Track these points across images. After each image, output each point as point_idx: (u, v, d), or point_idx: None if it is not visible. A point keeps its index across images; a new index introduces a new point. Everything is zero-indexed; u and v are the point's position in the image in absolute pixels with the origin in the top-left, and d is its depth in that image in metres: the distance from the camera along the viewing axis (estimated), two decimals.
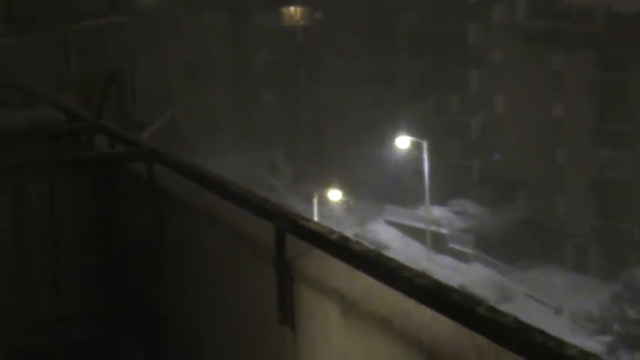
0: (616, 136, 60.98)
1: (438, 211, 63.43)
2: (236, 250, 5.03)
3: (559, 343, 2.71)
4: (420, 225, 62.64)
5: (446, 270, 59.85)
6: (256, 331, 4.81)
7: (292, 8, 73.03)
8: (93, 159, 6.60)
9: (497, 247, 60.79)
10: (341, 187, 60.80)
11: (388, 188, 65.45)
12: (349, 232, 63.38)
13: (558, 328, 52.41)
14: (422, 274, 3.40)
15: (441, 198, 63.74)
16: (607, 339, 39.96)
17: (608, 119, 61.19)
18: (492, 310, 2.99)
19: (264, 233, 4.53)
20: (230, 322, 5.17)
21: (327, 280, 4.12)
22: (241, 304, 5.01)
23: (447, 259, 61.15)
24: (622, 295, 41.59)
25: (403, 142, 64.18)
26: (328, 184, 60.46)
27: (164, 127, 61.01)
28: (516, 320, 2.89)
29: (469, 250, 61.57)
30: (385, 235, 63.42)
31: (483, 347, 3.15)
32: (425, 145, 61.98)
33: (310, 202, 57.05)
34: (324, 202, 59.53)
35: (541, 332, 2.79)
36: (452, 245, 62.12)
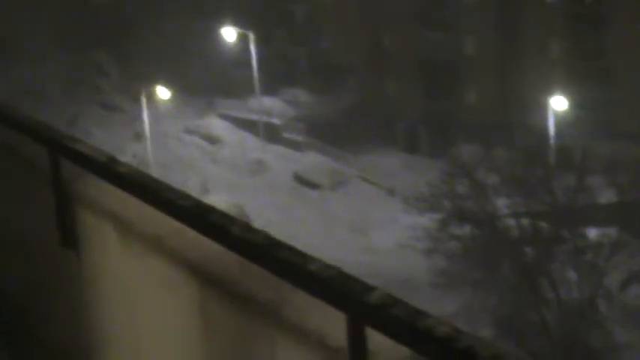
0: (439, 18, 61.87)
1: (269, 102, 63.50)
2: (18, 174, 4.95)
3: (304, 258, 2.77)
4: (253, 117, 62.70)
5: (280, 159, 60.31)
6: (41, 256, 4.79)
7: None
8: None
9: (330, 133, 61.38)
10: (170, 83, 60.05)
11: (218, 82, 65.07)
12: (181, 127, 63.06)
13: (392, 208, 53.74)
14: (185, 196, 3.42)
15: (271, 88, 63.77)
16: (438, 215, 41.04)
17: (431, 1, 61.99)
18: (246, 228, 3.04)
19: (44, 156, 4.47)
20: (16, 247, 5.11)
21: (104, 201, 4.11)
22: (26, 229, 4.95)
23: (280, 149, 61.51)
24: (450, 171, 42.65)
25: (229, 33, 63.73)
26: (156, 82, 59.62)
27: None
28: (266, 237, 2.95)
29: (302, 139, 62.04)
30: (218, 128, 63.26)
31: (246, 262, 3.21)
32: (251, 36, 61.69)
33: (139, 101, 56.31)
34: (153, 100, 58.81)
35: (289, 248, 2.85)
36: (285, 135, 62.46)
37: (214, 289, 3.37)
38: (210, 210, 3.22)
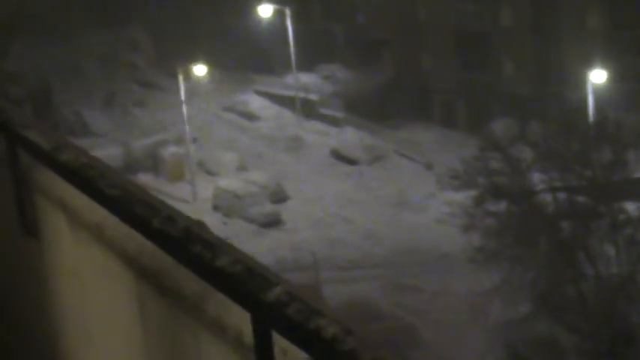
0: None
1: (306, 78, 63.35)
2: None
3: (214, 252, 2.66)
4: (289, 93, 62.61)
5: (317, 135, 60.23)
6: (3, 245, 4.76)
7: None
8: None
9: (366, 108, 61.18)
10: (206, 60, 59.97)
11: (255, 58, 64.96)
12: (218, 104, 63.15)
13: (429, 183, 53.56)
14: (117, 184, 3.31)
15: (308, 64, 63.59)
16: (473, 192, 40.71)
17: None
18: (167, 220, 2.92)
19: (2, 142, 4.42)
20: None
21: (56, 189, 4.07)
22: None
23: (317, 125, 61.42)
24: (485, 147, 42.30)
25: (265, 10, 63.63)
26: (193, 59, 59.53)
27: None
28: (184, 230, 2.83)
29: (339, 114, 61.89)
30: (255, 105, 63.27)
31: None
32: (287, 11, 61.55)
33: (175, 78, 56.28)
34: (190, 77, 58.79)
35: (203, 242, 2.73)
36: (322, 110, 62.34)
37: (149, 282, 3.30)
38: (137, 200, 3.11)
